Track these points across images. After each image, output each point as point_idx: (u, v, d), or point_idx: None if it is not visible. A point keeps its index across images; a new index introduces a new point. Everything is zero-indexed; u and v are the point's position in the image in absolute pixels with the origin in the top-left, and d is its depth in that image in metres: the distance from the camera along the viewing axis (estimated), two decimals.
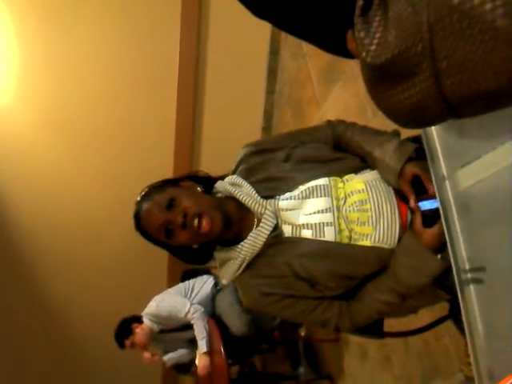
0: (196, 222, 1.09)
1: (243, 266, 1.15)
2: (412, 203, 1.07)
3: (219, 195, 1.23)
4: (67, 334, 4.24)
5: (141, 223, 1.16)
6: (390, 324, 1.61)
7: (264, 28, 3.53)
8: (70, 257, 3.95)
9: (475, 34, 0.60)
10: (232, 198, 1.17)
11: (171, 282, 3.53)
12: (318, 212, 1.11)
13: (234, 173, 1.23)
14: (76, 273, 4.01)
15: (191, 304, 2.87)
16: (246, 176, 1.19)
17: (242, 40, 3.53)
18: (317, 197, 1.12)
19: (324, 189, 1.13)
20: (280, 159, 1.18)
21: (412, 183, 1.09)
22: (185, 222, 1.09)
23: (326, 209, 1.11)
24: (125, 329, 2.95)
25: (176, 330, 3.02)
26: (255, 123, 3.98)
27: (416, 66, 0.69)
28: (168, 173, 3.77)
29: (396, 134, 1.26)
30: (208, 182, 1.25)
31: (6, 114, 3.41)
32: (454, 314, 1.35)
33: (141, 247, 1.36)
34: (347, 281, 1.14)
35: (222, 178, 1.26)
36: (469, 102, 0.66)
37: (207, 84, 3.69)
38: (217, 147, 3.63)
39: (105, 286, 4.05)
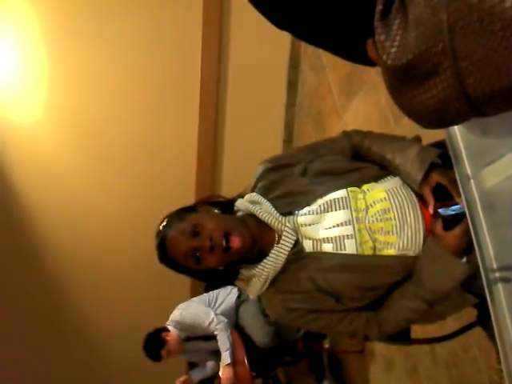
0: (224, 242, 1.10)
1: (267, 283, 1.16)
2: (431, 209, 1.07)
3: (240, 213, 1.23)
4: (88, 345, 4.29)
5: (167, 254, 1.16)
6: (416, 333, 1.59)
7: (284, 42, 3.58)
8: (93, 269, 4.01)
9: (496, 31, 0.61)
10: (252, 216, 1.18)
11: (194, 294, 3.55)
12: (338, 225, 1.12)
13: (252, 190, 1.24)
14: (99, 285, 4.07)
15: (215, 314, 2.88)
16: (265, 193, 1.20)
17: (263, 54, 3.58)
18: (335, 210, 1.12)
19: (342, 201, 1.13)
20: (297, 174, 1.19)
21: (434, 190, 1.09)
22: (212, 245, 1.10)
23: (346, 221, 1.11)
24: (156, 341, 2.96)
25: (201, 339, 3.03)
26: (276, 136, 4.00)
27: (437, 66, 0.70)
28: (190, 187, 3.82)
29: (417, 140, 1.26)
30: (226, 204, 1.26)
31: (34, 130, 3.52)
32: (483, 321, 1.33)
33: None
34: (372, 292, 1.14)
35: (242, 196, 1.26)
36: (491, 99, 0.67)
37: (228, 98, 3.74)
38: (239, 161, 3.66)
39: (127, 298, 4.09)
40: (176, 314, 2.96)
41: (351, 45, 1.25)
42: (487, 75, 0.65)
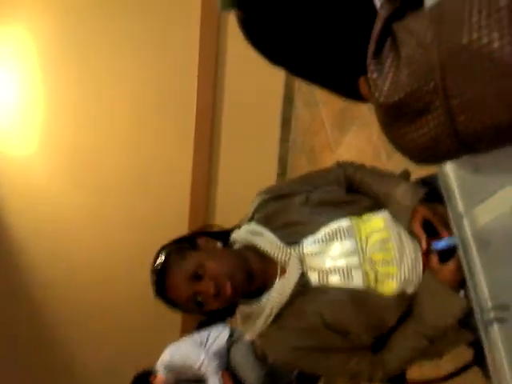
0: (229, 285, 1.06)
1: (270, 320, 1.10)
2: (424, 245, 1.06)
3: (237, 246, 1.20)
4: (77, 381, 4.16)
5: (165, 292, 1.12)
6: (412, 375, 1.56)
7: (277, 79, 3.64)
8: (86, 302, 3.93)
9: (485, 71, 0.62)
10: (252, 248, 1.14)
11: (185, 332, 3.48)
12: (344, 255, 1.09)
13: (250, 221, 1.21)
14: (90, 319, 3.98)
15: (206, 355, 2.80)
16: (265, 223, 1.17)
17: (257, 90, 3.64)
18: (341, 239, 1.10)
19: (348, 230, 1.10)
20: (298, 203, 1.17)
21: (424, 225, 1.09)
22: (217, 291, 1.06)
23: (352, 251, 1.09)
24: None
25: (191, 382, 2.94)
26: (270, 170, 4.02)
27: (429, 104, 0.71)
28: (184, 219, 3.80)
29: (406, 174, 1.27)
30: (223, 235, 1.22)
31: (28, 162, 3.51)
32: (479, 360, 1.31)
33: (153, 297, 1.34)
34: (379, 329, 1.11)
35: (238, 226, 1.23)
36: (483, 136, 0.68)
37: (223, 132, 3.78)
38: (233, 194, 3.66)
39: (117, 330, 3.99)
40: (166, 355, 2.88)
41: (344, 82, 1.27)
42: (478, 113, 0.66)
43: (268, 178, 3.95)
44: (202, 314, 1.21)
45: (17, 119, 3.41)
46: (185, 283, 1.08)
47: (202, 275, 1.07)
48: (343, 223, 1.12)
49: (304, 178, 1.31)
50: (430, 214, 1.07)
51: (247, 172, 3.82)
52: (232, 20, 1.33)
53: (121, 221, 3.79)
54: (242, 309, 1.16)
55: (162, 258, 1.14)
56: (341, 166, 1.31)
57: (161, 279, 1.12)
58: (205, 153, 3.76)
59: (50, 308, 3.96)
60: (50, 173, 3.57)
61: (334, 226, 1.12)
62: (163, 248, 1.18)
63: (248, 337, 1.18)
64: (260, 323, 1.11)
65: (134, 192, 3.74)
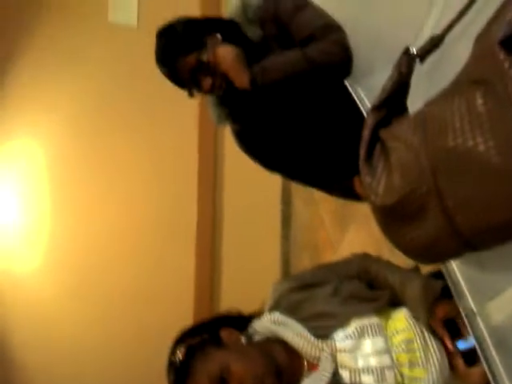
0: None
1: None
2: (449, 346, 1.01)
3: (257, 337, 1.11)
4: None
5: None
6: None
7: (275, 179, 3.73)
8: None
9: (475, 173, 0.64)
10: (277, 341, 1.06)
11: None
12: (376, 354, 1.02)
13: (272, 311, 1.13)
14: None
15: None
16: (290, 314, 1.10)
17: (255, 192, 3.71)
18: (372, 336, 1.03)
19: (377, 328, 1.05)
20: (327, 294, 1.11)
21: (444, 323, 1.05)
22: None
23: (383, 350, 1.02)
24: None
25: None
26: (273, 269, 3.98)
27: (424, 205, 0.72)
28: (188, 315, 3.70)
29: (416, 270, 1.25)
30: (243, 322, 1.14)
31: (31, 279, 3.50)
32: None
33: None
34: None
35: (257, 314, 1.16)
36: (482, 234, 0.68)
37: (224, 234, 3.80)
38: (237, 295, 3.59)
39: None
40: None
41: (338, 183, 1.31)
42: (474, 213, 0.66)
43: (271, 277, 3.89)
44: None
45: (22, 236, 3.45)
46: None
47: (227, 379, 0.99)
48: (372, 320, 1.06)
49: (326, 268, 1.25)
50: (450, 312, 1.03)
51: (250, 272, 3.77)
52: (228, 127, 1.42)
53: (125, 332, 3.69)
54: None
55: (181, 354, 1.05)
56: (358, 257, 1.27)
57: (181, 380, 1.03)
58: (207, 255, 3.75)
59: None
60: (54, 288, 3.54)
61: (364, 322, 1.05)
62: (182, 339, 1.09)
63: None
64: None
65: (137, 303, 3.68)
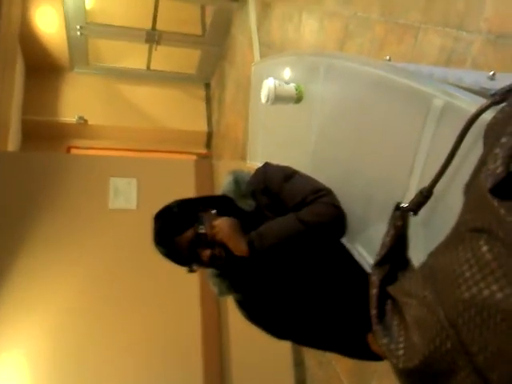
0: None
1: None
2: None
3: None
4: None
5: None
6: None
7: (283, 342, 3.56)
8: None
9: (499, 322, 0.60)
10: None
11: None
12: None
13: None
14: None
15: None
16: None
17: (265, 357, 3.51)
18: None
19: None
20: None
21: None
22: None
23: None
24: None
25: None
26: None
27: (453, 364, 0.66)
28: None
29: None
30: None
31: None
32: None
33: None
34: None
35: None
36: None
37: None
38: None
39: None
40: None
41: (352, 344, 1.22)
42: (510, 368, 0.60)
43: None
44: None
45: None
46: None
47: None
48: None
49: None
50: None
51: None
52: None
53: None
54: None
55: None
56: None
57: None
58: None
59: None
60: None
61: None
62: None
63: None
64: None
65: None
